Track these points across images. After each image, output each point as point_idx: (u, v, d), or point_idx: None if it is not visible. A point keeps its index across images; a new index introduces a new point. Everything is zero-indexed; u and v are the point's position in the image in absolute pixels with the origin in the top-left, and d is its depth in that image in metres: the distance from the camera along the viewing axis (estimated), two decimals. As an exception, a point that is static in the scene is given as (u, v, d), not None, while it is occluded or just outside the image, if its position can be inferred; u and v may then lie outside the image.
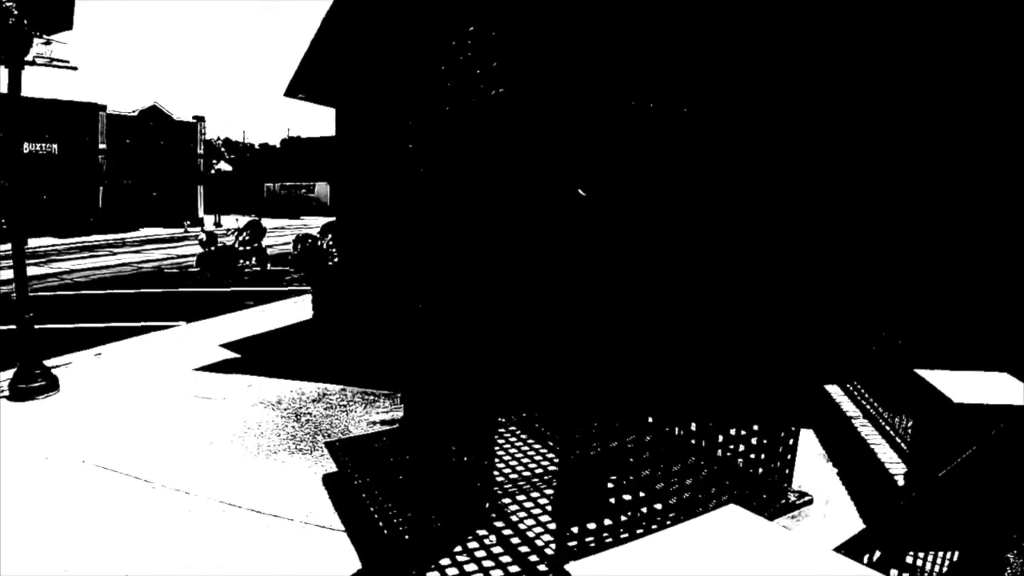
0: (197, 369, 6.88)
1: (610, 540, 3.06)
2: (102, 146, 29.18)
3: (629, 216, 4.96)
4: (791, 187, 5.16)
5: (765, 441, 4.03)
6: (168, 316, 10.74)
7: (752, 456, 3.98)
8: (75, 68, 6.34)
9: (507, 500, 3.70)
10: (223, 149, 58.85)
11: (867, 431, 4.87)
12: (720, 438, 3.81)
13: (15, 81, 5.66)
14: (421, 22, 5.81)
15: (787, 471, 4.22)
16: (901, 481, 4.08)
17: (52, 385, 6.16)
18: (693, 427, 3.60)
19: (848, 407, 5.33)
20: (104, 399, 5.87)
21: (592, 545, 2.97)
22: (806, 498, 4.24)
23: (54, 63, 6.03)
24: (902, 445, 4.53)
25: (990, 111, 4.82)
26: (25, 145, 27.15)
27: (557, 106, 4.80)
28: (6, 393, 6.11)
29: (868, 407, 5.24)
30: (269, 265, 17.39)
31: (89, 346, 8.07)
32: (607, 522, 2.97)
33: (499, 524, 3.40)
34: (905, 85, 4.98)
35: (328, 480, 4.02)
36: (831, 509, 4.13)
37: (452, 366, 3.62)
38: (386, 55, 6.76)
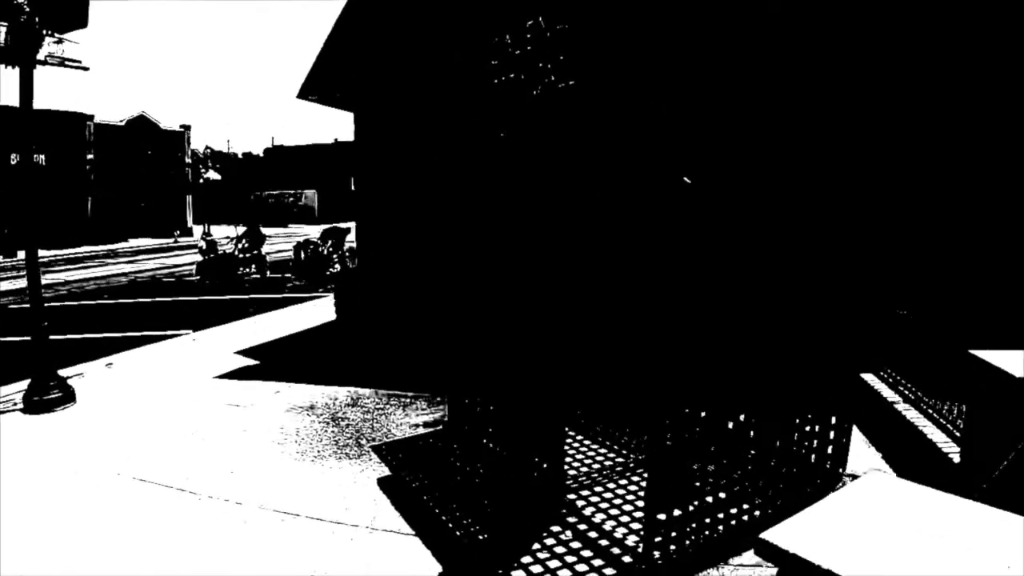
0: (218, 377, 6.71)
1: (692, 528, 3.00)
2: (90, 156, 28.59)
3: (712, 209, 4.86)
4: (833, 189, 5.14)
5: (819, 429, 4.04)
6: (174, 325, 10.50)
7: (808, 444, 3.98)
8: (87, 68, 6.16)
9: (572, 496, 3.63)
10: (209, 159, 58.23)
11: (911, 415, 4.88)
12: (779, 429, 3.80)
13: (27, 82, 5.48)
14: (460, 20, 5.69)
15: (841, 456, 4.23)
16: (956, 459, 4.09)
17: (68, 396, 5.95)
18: (758, 418, 3.59)
19: (887, 393, 5.35)
20: (126, 409, 5.68)
21: (674, 535, 2.91)
22: (860, 483, 4.25)
23: (66, 63, 5.85)
24: (948, 426, 4.54)
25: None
26: (12, 156, 26.51)
27: (635, 97, 4.63)
28: (20, 406, 5.89)
29: (907, 392, 5.26)
30: (268, 272, 17.21)
31: (96, 357, 7.84)
32: (691, 508, 2.92)
33: (572, 519, 3.32)
34: (927, 75, 5.00)
35: (384, 484, 3.90)
36: (889, 493, 4.12)
37: (520, 361, 3.54)
38: (416, 56, 6.63)
